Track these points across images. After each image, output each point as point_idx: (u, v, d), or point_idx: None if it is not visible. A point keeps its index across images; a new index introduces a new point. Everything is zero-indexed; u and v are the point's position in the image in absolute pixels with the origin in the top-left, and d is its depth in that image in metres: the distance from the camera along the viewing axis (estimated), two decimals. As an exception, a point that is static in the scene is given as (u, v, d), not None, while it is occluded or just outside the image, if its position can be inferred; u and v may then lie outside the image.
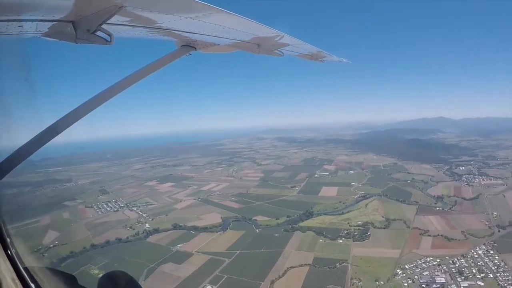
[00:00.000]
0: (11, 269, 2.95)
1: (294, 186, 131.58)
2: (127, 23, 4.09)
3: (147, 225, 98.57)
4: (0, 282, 2.66)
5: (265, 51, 6.72)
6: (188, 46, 5.87)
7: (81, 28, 3.61)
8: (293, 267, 73.93)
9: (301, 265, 74.47)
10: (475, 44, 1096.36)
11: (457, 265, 71.36)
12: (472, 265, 71.09)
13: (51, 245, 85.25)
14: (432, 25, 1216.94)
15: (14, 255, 3.08)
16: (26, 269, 3.22)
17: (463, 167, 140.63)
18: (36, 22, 3.46)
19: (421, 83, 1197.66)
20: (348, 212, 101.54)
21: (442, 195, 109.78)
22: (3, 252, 2.91)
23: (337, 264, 73.84)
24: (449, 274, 68.74)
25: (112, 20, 3.58)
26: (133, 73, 5.20)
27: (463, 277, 67.42)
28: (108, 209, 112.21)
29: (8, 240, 3.06)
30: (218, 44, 6.22)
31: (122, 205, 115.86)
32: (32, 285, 3.18)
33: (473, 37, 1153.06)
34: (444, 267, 70.94)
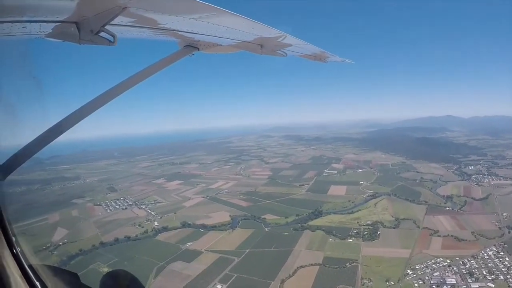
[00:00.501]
0: (17, 266, 2.98)
1: (303, 185, 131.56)
2: (130, 24, 4.13)
3: (156, 223, 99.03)
4: (8, 278, 2.74)
5: (268, 51, 6.74)
6: (191, 46, 5.91)
7: (85, 29, 3.64)
8: (303, 267, 73.88)
9: (311, 265, 74.42)
10: (483, 41, 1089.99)
11: (467, 266, 70.87)
12: (482, 266, 70.57)
13: (60, 243, 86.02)
14: (439, 23, 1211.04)
15: (20, 253, 3.09)
16: (30, 267, 3.24)
17: (472, 167, 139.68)
18: (40, 23, 3.50)
19: (428, 81, 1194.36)
20: (357, 211, 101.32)
21: (452, 195, 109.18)
22: (9, 251, 2.93)
23: (347, 264, 73.70)
24: (460, 275, 68.31)
25: (116, 21, 3.60)
26: (137, 73, 5.24)
27: (473, 279, 66.95)
28: (116, 207, 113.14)
29: (14, 238, 3.07)
30: (221, 45, 6.26)
31: (131, 203, 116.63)
32: (37, 283, 3.21)
33: (481, 34, 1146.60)
34: (455, 268, 70.51)
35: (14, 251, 3.02)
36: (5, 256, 2.83)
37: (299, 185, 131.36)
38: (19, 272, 2.99)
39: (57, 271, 4.01)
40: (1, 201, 2.96)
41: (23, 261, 3.10)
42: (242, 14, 4.83)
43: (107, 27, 3.60)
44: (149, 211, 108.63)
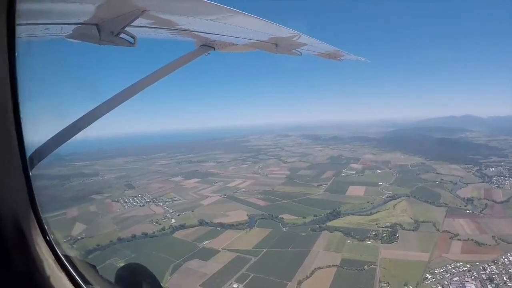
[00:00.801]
0: (50, 252, 3.07)
1: (321, 185, 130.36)
2: (149, 26, 4.32)
3: (173, 220, 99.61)
4: (42, 263, 2.86)
5: (283, 50, 6.91)
6: (207, 46, 6.09)
7: (105, 31, 3.79)
8: (321, 268, 73.40)
9: (329, 266, 73.90)
10: (504, 39, 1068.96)
11: (487, 272, 69.19)
12: (503, 272, 68.85)
13: (79, 237, 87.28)
14: (458, 20, 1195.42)
15: (52, 240, 3.16)
16: (63, 254, 3.31)
17: (493, 168, 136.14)
18: (62, 25, 3.69)
19: (447, 80, 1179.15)
20: (376, 212, 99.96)
21: (472, 197, 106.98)
22: (42, 237, 3.01)
23: (365, 266, 73.00)
24: (479, 281, 66.83)
25: (135, 22, 3.73)
26: (154, 72, 5.43)
27: (493, 285, 65.46)
28: (134, 203, 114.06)
29: (46, 227, 3.12)
30: (237, 44, 6.45)
31: (148, 200, 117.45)
32: (70, 267, 3.29)
33: (502, 31, 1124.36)
34: (474, 273, 69.05)
35: (48, 238, 3.08)
36: (38, 242, 2.91)
37: (317, 185, 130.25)
38: (53, 257, 3.07)
39: (79, 262, 3.92)
40: (35, 191, 2.93)
41: (56, 247, 3.16)
42: (256, 14, 5.01)
43: (127, 28, 3.74)
44: (167, 209, 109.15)
